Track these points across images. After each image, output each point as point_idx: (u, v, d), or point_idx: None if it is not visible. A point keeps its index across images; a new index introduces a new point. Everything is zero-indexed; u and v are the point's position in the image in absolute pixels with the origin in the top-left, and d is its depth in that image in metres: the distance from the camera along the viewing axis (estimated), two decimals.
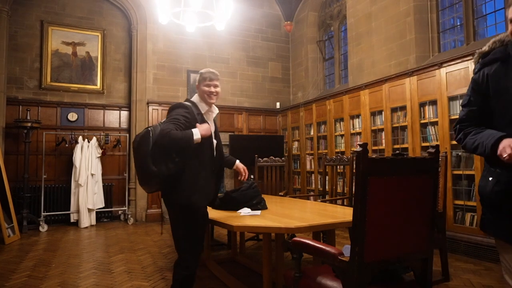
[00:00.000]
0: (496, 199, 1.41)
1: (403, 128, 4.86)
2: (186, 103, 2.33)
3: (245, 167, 2.67)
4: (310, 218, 2.58)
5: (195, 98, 2.39)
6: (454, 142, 4.14)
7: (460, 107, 1.64)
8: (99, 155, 6.18)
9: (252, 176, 5.31)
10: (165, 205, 2.26)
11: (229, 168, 2.72)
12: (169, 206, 2.24)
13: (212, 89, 2.36)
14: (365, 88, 5.51)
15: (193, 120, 2.22)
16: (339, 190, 4.99)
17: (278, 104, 7.92)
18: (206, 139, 2.22)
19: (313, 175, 6.73)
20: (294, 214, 2.77)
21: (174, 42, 7.05)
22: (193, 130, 2.14)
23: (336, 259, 1.56)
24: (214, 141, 2.39)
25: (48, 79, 6.32)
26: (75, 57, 6.55)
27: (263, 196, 3.08)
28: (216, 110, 2.45)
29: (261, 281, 2.56)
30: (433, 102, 4.43)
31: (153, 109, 6.79)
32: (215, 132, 2.44)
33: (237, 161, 2.70)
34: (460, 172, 4.08)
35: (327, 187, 4.70)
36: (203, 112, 2.35)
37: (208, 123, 2.30)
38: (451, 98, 4.20)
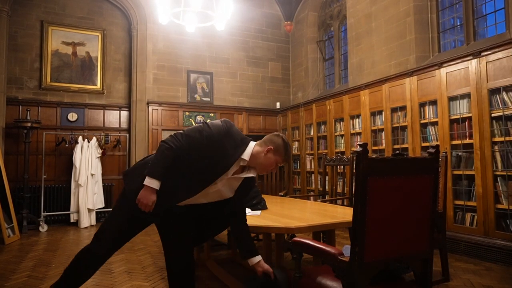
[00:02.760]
0: None
1: (403, 128, 4.86)
2: (237, 137, 1.90)
3: (269, 269, 1.97)
4: (310, 218, 2.58)
5: (249, 149, 1.92)
6: (454, 142, 4.15)
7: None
8: (99, 155, 6.18)
9: None
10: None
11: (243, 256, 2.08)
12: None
13: (274, 168, 1.98)
14: (365, 88, 5.51)
15: (216, 150, 1.84)
16: (339, 190, 4.98)
17: (278, 104, 7.92)
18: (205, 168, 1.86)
19: (313, 175, 6.73)
20: (294, 214, 2.77)
21: (174, 42, 7.05)
22: (152, 180, 1.81)
23: (336, 259, 1.56)
24: (220, 188, 1.93)
25: (48, 79, 6.32)
26: (75, 57, 6.55)
27: (263, 196, 3.08)
28: (251, 174, 2.00)
29: None
30: (433, 102, 4.43)
31: (153, 109, 6.80)
32: (238, 189, 2.01)
33: (258, 258, 2.00)
34: (460, 172, 4.07)
35: (327, 187, 4.70)
36: (236, 163, 1.90)
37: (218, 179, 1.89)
38: (451, 98, 4.19)
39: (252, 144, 1.95)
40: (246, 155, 1.90)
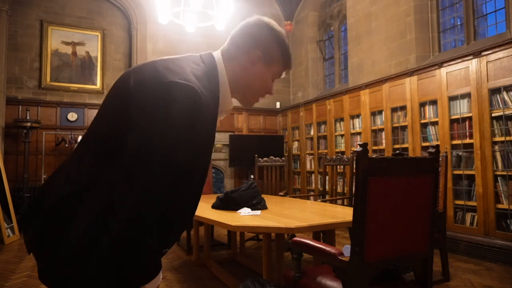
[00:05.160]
0: None
1: (403, 128, 4.85)
2: (195, 89, 0.86)
3: None
4: (310, 218, 2.58)
5: (223, 76, 1.01)
6: (455, 142, 4.14)
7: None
8: None
9: (252, 176, 5.29)
10: None
11: None
12: None
13: (271, 87, 1.10)
14: (365, 88, 5.51)
15: (206, 138, 0.96)
16: (339, 190, 4.98)
17: (278, 104, 7.91)
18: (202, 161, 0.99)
19: (313, 175, 6.72)
20: (294, 214, 2.76)
21: (174, 42, 7.04)
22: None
23: (336, 259, 1.56)
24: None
25: (48, 79, 6.32)
26: (75, 57, 6.55)
27: (263, 196, 3.08)
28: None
29: None
30: (433, 102, 4.42)
31: None
32: None
33: None
34: (461, 172, 4.07)
35: (327, 187, 4.69)
36: (220, 109, 1.04)
37: None
38: (451, 98, 4.19)
39: (220, 67, 1.01)
40: (225, 98, 1.02)
